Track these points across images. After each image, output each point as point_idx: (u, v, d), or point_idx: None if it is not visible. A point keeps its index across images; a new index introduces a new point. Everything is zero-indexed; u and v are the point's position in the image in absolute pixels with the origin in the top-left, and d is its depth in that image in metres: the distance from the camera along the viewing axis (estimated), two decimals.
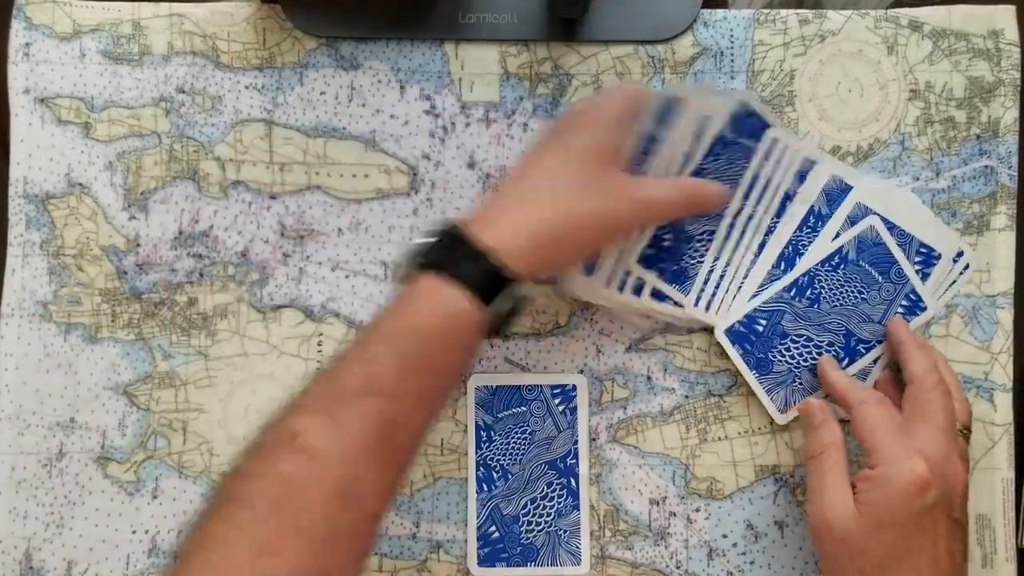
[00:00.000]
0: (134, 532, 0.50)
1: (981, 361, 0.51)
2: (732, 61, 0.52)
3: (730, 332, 0.49)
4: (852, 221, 0.49)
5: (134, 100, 0.52)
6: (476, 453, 0.50)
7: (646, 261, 0.50)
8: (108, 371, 0.50)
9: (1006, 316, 0.51)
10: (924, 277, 0.50)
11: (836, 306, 0.50)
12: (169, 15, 0.52)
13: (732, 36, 0.52)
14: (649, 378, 0.51)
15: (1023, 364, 0.51)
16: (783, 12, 0.52)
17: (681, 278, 0.50)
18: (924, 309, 0.50)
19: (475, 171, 0.52)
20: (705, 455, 0.51)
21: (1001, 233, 0.51)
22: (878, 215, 0.49)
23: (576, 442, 0.50)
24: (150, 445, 0.50)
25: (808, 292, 0.49)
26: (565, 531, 0.49)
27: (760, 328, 0.49)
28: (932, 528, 0.42)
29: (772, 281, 0.50)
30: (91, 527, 0.50)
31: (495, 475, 0.50)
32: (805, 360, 0.49)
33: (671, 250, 0.50)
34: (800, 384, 0.50)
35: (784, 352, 0.50)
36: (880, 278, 0.49)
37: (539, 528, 0.49)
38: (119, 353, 0.50)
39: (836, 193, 0.49)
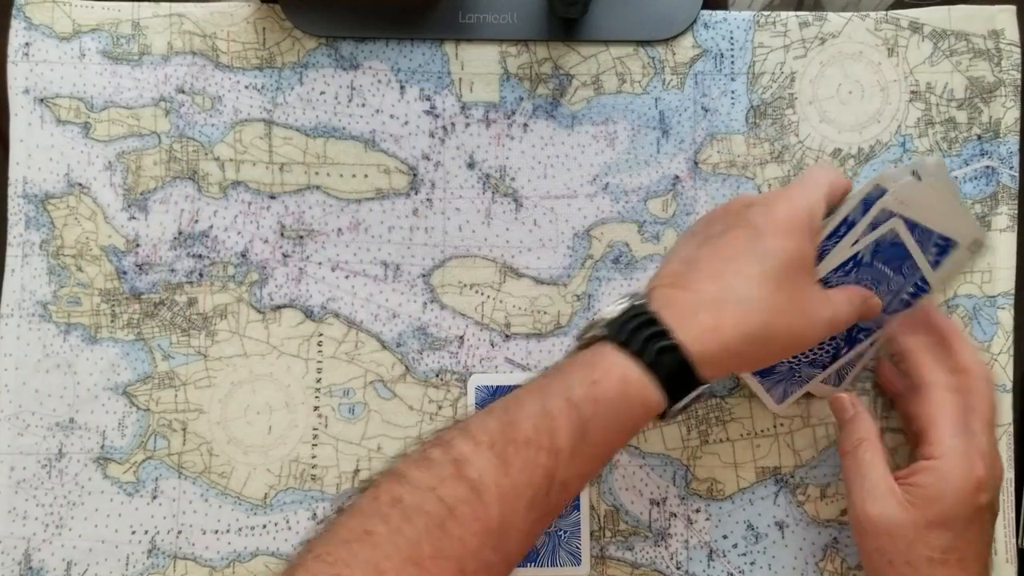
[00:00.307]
0: (134, 532, 0.50)
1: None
2: (732, 63, 0.52)
3: None
4: (873, 226, 0.46)
5: (134, 100, 0.51)
6: None
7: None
8: (108, 371, 0.50)
9: (1006, 317, 0.51)
10: (936, 265, 0.49)
11: None
12: (169, 15, 0.52)
13: (732, 38, 0.52)
14: None
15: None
16: (783, 14, 0.52)
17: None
18: (927, 291, 0.49)
19: (475, 171, 0.52)
20: (706, 456, 0.51)
21: (1003, 233, 0.51)
22: (901, 217, 0.47)
23: None
24: (150, 445, 0.50)
25: None
26: (565, 531, 0.49)
27: None
28: (982, 525, 0.42)
29: None
30: (91, 527, 0.50)
31: None
32: (806, 356, 0.49)
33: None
34: (798, 377, 0.49)
35: None
36: (891, 273, 0.48)
37: None
38: (119, 353, 0.50)
39: (872, 201, 0.46)
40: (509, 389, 0.49)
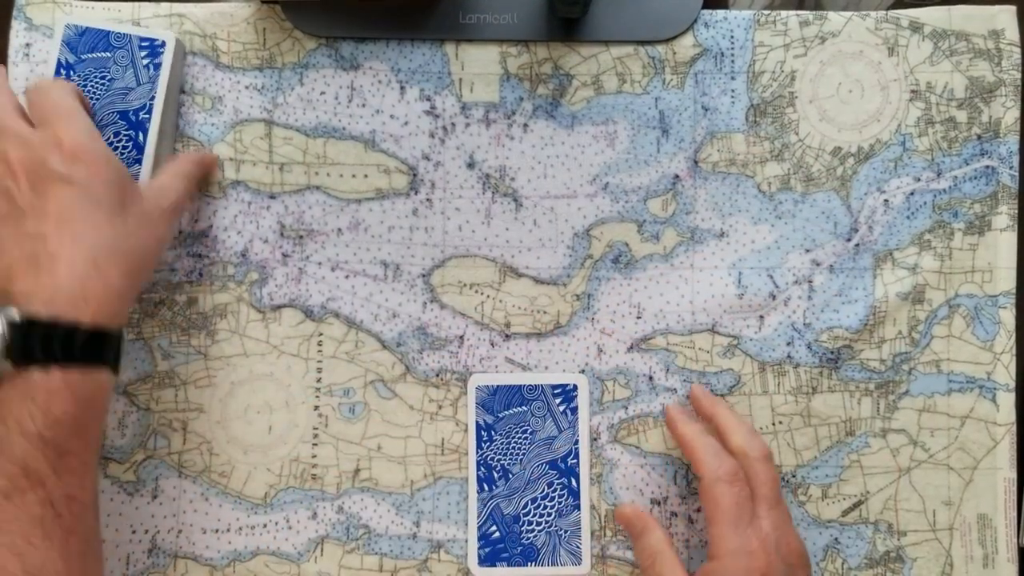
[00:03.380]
0: (134, 532, 0.50)
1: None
2: (732, 62, 0.52)
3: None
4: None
5: None
6: (477, 453, 0.50)
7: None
8: None
9: (1008, 316, 0.51)
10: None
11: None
12: (169, 15, 0.52)
13: (733, 37, 0.52)
14: (651, 378, 0.51)
15: None
16: (783, 13, 0.52)
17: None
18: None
19: (475, 171, 0.52)
20: None
21: (1003, 233, 0.51)
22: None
23: (577, 442, 0.50)
24: (150, 445, 0.50)
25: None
26: (566, 531, 0.49)
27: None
28: None
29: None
30: None
31: (496, 475, 0.49)
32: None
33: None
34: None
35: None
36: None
37: (540, 528, 0.49)
38: None
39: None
40: (510, 389, 0.50)
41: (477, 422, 0.50)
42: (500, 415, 0.50)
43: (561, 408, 0.50)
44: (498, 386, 0.50)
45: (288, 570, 0.50)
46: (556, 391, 0.50)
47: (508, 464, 0.50)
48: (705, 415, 0.48)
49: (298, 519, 0.50)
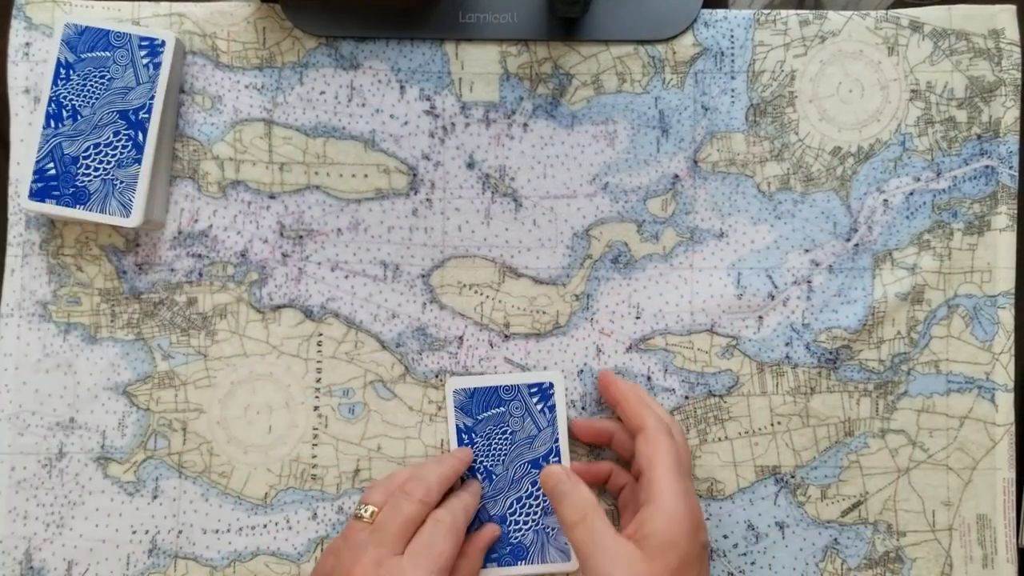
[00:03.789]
0: (134, 532, 0.50)
1: (982, 361, 0.51)
2: (732, 61, 0.52)
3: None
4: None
5: None
6: None
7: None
8: (108, 371, 0.50)
9: (1007, 316, 0.51)
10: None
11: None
12: (169, 14, 0.52)
13: (732, 36, 0.52)
14: (649, 378, 0.51)
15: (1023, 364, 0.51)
16: (783, 13, 0.52)
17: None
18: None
19: (475, 171, 0.52)
20: (705, 456, 0.51)
21: (1002, 233, 0.51)
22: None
23: (557, 440, 0.49)
24: (150, 445, 0.50)
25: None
26: (553, 529, 0.49)
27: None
28: (703, 562, 0.42)
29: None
30: (91, 527, 0.50)
31: (479, 477, 0.49)
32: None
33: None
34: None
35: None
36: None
37: (527, 527, 0.49)
38: (119, 353, 0.50)
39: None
40: (486, 391, 0.50)
41: (457, 425, 0.50)
42: (479, 417, 0.50)
43: (539, 407, 0.50)
44: (475, 388, 0.50)
45: (288, 570, 0.50)
46: (532, 390, 0.50)
47: (491, 465, 0.49)
48: (616, 394, 0.49)
49: (298, 519, 0.50)
